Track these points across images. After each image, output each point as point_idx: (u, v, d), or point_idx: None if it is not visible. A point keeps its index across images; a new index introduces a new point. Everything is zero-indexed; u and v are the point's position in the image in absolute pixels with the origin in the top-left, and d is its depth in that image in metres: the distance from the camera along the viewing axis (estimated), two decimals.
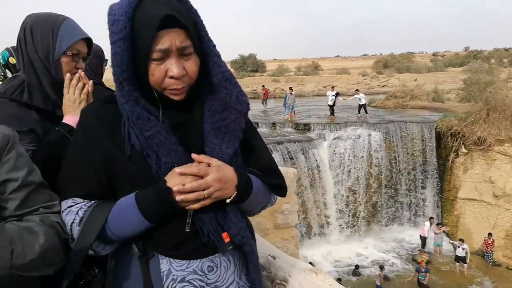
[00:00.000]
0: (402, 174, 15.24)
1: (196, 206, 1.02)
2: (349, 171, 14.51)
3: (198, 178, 1.01)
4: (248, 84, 29.34)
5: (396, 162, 15.10)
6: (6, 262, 0.86)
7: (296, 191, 8.65)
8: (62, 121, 1.40)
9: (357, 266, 12.95)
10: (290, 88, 19.15)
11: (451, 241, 14.13)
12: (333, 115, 17.51)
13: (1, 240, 0.87)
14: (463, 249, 12.80)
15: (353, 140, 14.65)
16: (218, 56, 1.07)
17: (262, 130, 15.38)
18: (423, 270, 11.93)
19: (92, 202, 1.06)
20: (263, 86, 23.94)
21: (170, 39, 0.95)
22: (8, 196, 0.98)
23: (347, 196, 14.62)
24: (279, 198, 1.32)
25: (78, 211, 1.04)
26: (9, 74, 2.36)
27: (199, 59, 1.02)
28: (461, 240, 13.07)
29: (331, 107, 17.57)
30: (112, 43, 0.96)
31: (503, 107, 14.20)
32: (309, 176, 13.77)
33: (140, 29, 0.94)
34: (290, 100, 17.75)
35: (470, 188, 14.52)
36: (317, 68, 56.20)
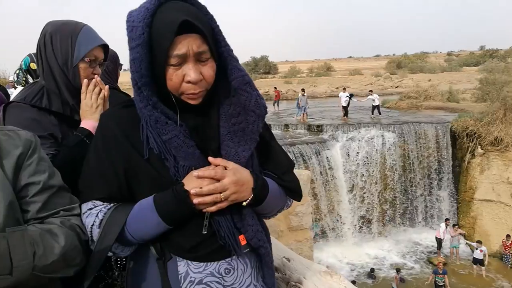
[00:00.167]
0: (416, 175, 15.07)
1: (213, 208, 1.03)
2: (363, 173, 14.40)
3: (215, 181, 1.02)
4: (260, 86, 29.39)
5: (410, 163, 14.93)
6: (28, 263, 0.88)
7: (310, 193, 8.61)
8: (80, 126, 1.43)
9: (372, 269, 12.83)
10: (303, 90, 19.10)
11: (469, 242, 13.88)
12: (347, 116, 17.40)
13: (23, 242, 0.89)
14: (481, 251, 12.58)
15: (367, 141, 14.53)
16: (237, 60, 1.08)
17: (274, 132, 15.32)
18: (441, 272, 11.73)
19: (112, 204, 1.08)
20: (275, 88, 23.93)
21: (187, 44, 0.96)
22: (30, 200, 1.00)
23: (361, 198, 14.50)
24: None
25: (98, 213, 1.06)
26: (31, 80, 2.41)
27: (215, 63, 1.03)
28: (479, 242, 12.84)
29: (345, 108, 17.46)
30: (130, 49, 0.98)
31: None
32: (322, 177, 13.71)
33: (158, 35, 0.96)
34: (303, 101, 17.70)
35: (487, 189, 14.27)
36: (330, 69, 56.01)
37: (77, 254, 1.02)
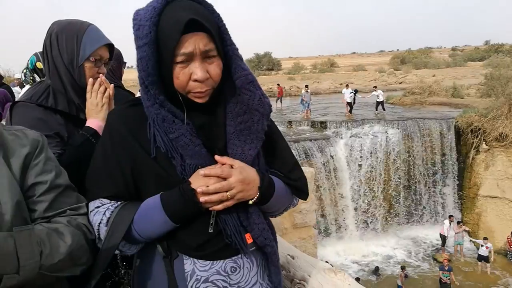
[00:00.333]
0: (420, 172, 15.02)
1: (219, 207, 1.03)
2: (367, 169, 14.37)
3: (221, 180, 1.02)
4: (263, 82, 29.32)
5: (414, 160, 14.88)
6: (35, 263, 0.89)
7: (313, 189, 8.61)
8: (86, 125, 1.43)
9: (377, 268, 12.81)
10: (306, 86, 19.05)
11: (473, 239, 13.84)
12: (351, 112, 17.35)
13: (30, 241, 0.90)
14: (487, 247, 12.52)
15: (371, 137, 14.49)
16: (241, 59, 1.08)
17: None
18: (446, 269, 11.70)
19: (119, 203, 1.09)
20: (278, 84, 23.88)
21: (194, 42, 0.96)
22: (37, 199, 1.00)
23: (365, 194, 14.48)
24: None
25: (105, 211, 1.07)
26: (38, 78, 2.42)
27: (222, 62, 1.03)
28: (486, 239, 12.78)
29: (350, 105, 17.40)
30: (137, 47, 0.98)
31: None
32: (326, 174, 13.69)
33: (165, 34, 0.96)
34: (306, 98, 17.66)
35: (492, 185, 14.21)
36: (333, 65, 55.79)
37: (84, 253, 1.02)
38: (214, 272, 1.08)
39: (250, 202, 1.08)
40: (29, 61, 2.48)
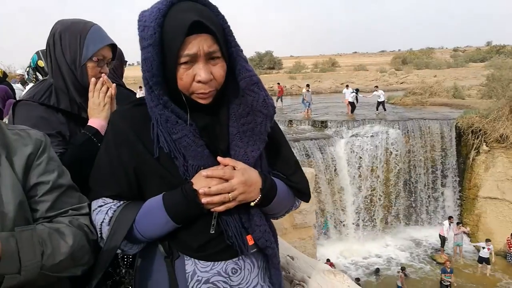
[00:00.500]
0: (421, 172, 15.02)
1: (221, 208, 1.04)
2: (367, 169, 14.37)
3: (223, 181, 1.03)
4: (264, 81, 28.78)
5: (414, 160, 14.89)
6: (37, 263, 0.89)
7: (314, 189, 8.62)
8: (88, 124, 1.43)
9: (377, 270, 12.82)
10: (307, 85, 19.04)
11: (474, 244, 13.78)
12: (353, 112, 17.34)
13: (32, 241, 0.90)
14: (488, 249, 12.50)
15: (371, 137, 14.49)
16: (246, 60, 1.08)
17: None
18: (448, 271, 11.69)
19: (121, 202, 1.09)
20: (278, 83, 23.87)
21: (198, 44, 0.96)
22: (39, 199, 1.01)
23: (365, 195, 14.48)
24: None
25: (107, 210, 1.07)
26: (40, 77, 2.43)
27: (226, 63, 1.04)
28: (488, 240, 12.75)
29: (352, 105, 17.38)
30: (142, 48, 0.99)
31: None
32: (326, 173, 13.69)
33: (169, 35, 0.96)
34: (307, 97, 17.66)
35: (492, 186, 14.21)
36: (334, 64, 55.71)
37: (85, 253, 1.02)
38: (215, 273, 1.08)
39: (252, 204, 1.08)
40: (31, 60, 2.48)
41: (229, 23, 1.04)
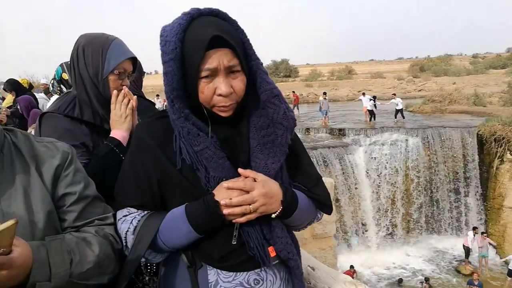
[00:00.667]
0: (442, 181, 14.71)
1: (242, 219, 1.04)
2: (386, 177, 14.17)
3: (244, 193, 1.03)
4: (280, 90, 29.13)
5: (435, 169, 14.61)
6: (66, 271, 0.91)
7: (332, 199, 8.52)
8: (110, 135, 1.47)
9: (400, 280, 12.55)
10: (324, 93, 19.01)
11: (504, 259, 13.25)
12: (371, 120, 17.19)
13: (61, 250, 0.93)
14: None
15: (390, 145, 14.31)
16: (266, 73, 1.09)
17: None
18: (476, 284, 11.27)
19: (146, 212, 1.12)
20: (293, 91, 23.90)
21: (218, 58, 0.98)
22: (67, 209, 1.04)
23: (385, 204, 14.26)
24: None
25: (132, 220, 1.09)
26: (65, 89, 2.50)
27: (246, 77, 1.05)
28: None
29: (371, 112, 17.26)
30: (163, 62, 1.01)
31: None
32: (344, 182, 13.55)
33: (190, 50, 0.98)
34: (324, 105, 17.62)
35: None
36: (351, 72, 55.50)
37: (110, 262, 1.04)
38: (237, 284, 1.08)
39: (273, 215, 1.08)
40: (56, 72, 2.55)
41: (248, 37, 1.06)
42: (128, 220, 1.10)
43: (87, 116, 1.49)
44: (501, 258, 13.30)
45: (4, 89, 6.42)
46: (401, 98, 18.59)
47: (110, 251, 1.05)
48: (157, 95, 23.62)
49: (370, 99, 17.42)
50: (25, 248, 0.84)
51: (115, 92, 1.48)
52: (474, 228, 13.57)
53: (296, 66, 59.65)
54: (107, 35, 1.52)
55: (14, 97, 5.78)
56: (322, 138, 15.48)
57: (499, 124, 14.22)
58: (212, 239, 1.08)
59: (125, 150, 1.42)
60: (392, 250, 14.13)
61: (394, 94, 19.29)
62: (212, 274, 1.09)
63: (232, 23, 1.04)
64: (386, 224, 14.33)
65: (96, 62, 1.46)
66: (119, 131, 1.47)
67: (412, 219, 14.62)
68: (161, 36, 1.03)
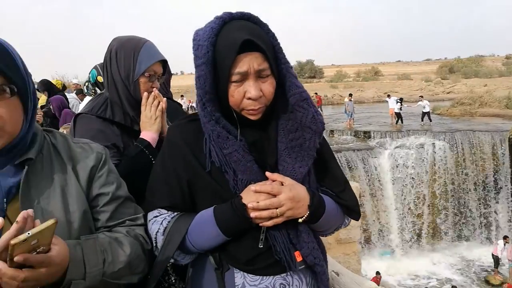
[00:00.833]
0: (471, 187, 14.26)
1: (269, 223, 1.05)
2: (412, 182, 13.85)
3: (272, 196, 1.04)
4: None
5: (464, 173, 14.17)
6: (99, 270, 0.94)
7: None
8: (140, 137, 1.50)
9: None
10: (350, 95, 18.80)
11: None
12: (397, 123, 16.88)
13: (95, 250, 0.95)
14: None
15: (416, 149, 13.99)
16: (295, 76, 1.10)
17: None
18: None
19: (175, 213, 1.14)
20: (315, 93, 23.71)
21: (249, 62, 0.99)
22: (100, 209, 1.07)
23: (410, 209, 13.93)
24: None
25: (162, 221, 1.12)
26: (99, 91, 2.57)
27: (275, 80, 1.06)
28: None
29: (398, 115, 16.96)
30: (196, 66, 1.03)
31: None
32: (369, 186, 13.33)
33: (221, 54, 1.00)
34: (350, 107, 17.43)
35: None
36: (377, 73, 54.67)
37: (140, 262, 1.07)
38: None
39: (300, 220, 1.08)
40: (90, 75, 2.63)
41: (279, 41, 1.07)
42: (159, 221, 1.12)
43: (118, 117, 1.53)
44: None
45: (37, 89, 6.66)
46: (429, 101, 18.17)
47: (140, 252, 1.07)
48: (182, 96, 23.92)
49: (397, 101, 17.10)
50: (63, 246, 0.86)
51: (145, 94, 1.51)
52: (505, 237, 13.04)
53: (321, 66, 59.26)
54: (139, 38, 1.56)
55: (46, 97, 5.99)
56: (346, 141, 15.30)
57: None
58: (239, 242, 1.09)
59: (154, 151, 1.45)
60: (417, 257, 13.77)
61: (422, 96, 18.86)
62: (239, 277, 1.10)
63: (263, 27, 1.05)
64: (410, 230, 13.99)
65: (127, 65, 1.50)
66: (149, 132, 1.50)
67: (438, 226, 14.23)
68: (193, 40, 1.05)
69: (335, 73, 51.59)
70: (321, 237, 1.27)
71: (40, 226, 0.77)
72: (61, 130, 4.16)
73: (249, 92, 1.01)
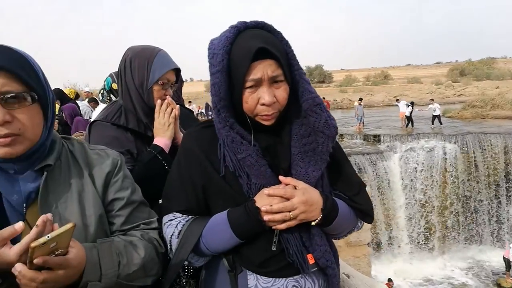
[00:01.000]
0: (482, 190, 14.08)
1: (282, 226, 1.07)
2: (422, 186, 13.72)
3: (285, 200, 1.06)
4: None
5: (474, 177, 14.00)
6: (115, 272, 0.97)
7: None
8: (153, 143, 1.53)
9: None
10: (360, 99, 18.75)
11: None
12: (408, 126, 16.78)
13: (111, 252, 0.98)
14: None
15: (427, 152, 13.87)
16: (308, 82, 1.12)
17: None
18: None
19: (190, 217, 1.16)
20: (323, 98, 23.63)
21: (263, 69, 1.02)
22: (115, 213, 1.10)
23: (420, 212, 13.80)
24: None
25: (177, 224, 1.14)
26: (114, 98, 2.63)
27: (289, 86, 1.08)
28: None
29: (409, 118, 16.86)
30: (211, 74, 1.06)
31: None
32: (379, 189, 13.25)
33: (236, 61, 1.03)
34: (359, 111, 17.38)
35: None
36: (387, 77, 54.39)
37: (154, 265, 1.09)
38: None
39: (313, 223, 1.10)
40: (105, 83, 2.69)
41: (292, 48, 1.09)
42: (173, 225, 1.14)
43: (132, 124, 1.56)
44: None
45: None
46: (439, 104, 18.03)
47: (154, 255, 1.10)
48: (189, 102, 24.07)
49: (408, 105, 17.01)
50: (80, 249, 0.90)
51: (159, 101, 1.55)
52: None
53: (330, 71, 59.18)
54: (152, 47, 1.60)
55: (59, 106, 6.11)
56: (356, 145, 15.24)
57: None
58: (252, 244, 1.11)
59: (168, 157, 1.48)
60: (427, 260, 13.64)
61: (432, 100, 18.75)
62: (252, 279, 1.12)
63: (277, 35, 1.08)
64: (420, 233, 13.85)
65: (141, 74, 1.54)
66: (162, 138, 1.54)
67: (448, 229, 14.06)
68: (209, 49, 1.08)
69: (344, 78, 51.48)
70: None
71: (59, 230, 0.80)
72: (75, 135, 4.23)
73: (263, 98, 1.03)
